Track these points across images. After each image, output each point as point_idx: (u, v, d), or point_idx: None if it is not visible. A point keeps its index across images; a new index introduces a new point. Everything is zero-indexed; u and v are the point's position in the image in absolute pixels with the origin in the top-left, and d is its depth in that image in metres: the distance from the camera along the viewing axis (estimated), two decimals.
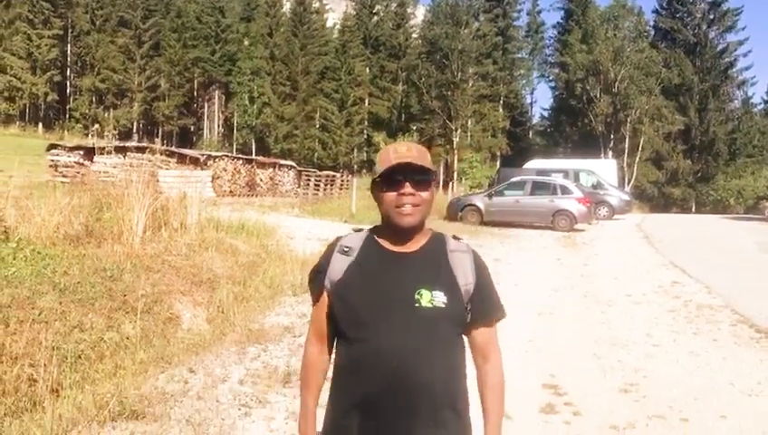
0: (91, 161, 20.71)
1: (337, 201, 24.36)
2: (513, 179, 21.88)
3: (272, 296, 8.17)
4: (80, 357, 5.37)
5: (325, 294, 2.00)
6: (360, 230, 2.09)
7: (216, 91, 65.88)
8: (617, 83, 49.39)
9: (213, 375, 5.21)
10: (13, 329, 5.23)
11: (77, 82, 60.95)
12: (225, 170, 24.72)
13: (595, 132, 51.31)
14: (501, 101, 60.56)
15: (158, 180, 16.40)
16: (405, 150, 1.94)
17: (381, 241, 1.99)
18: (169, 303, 7.19)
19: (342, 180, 31.08)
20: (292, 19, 62.02)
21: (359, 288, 1.92)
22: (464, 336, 2.02)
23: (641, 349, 6.71)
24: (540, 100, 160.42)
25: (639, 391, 5.42)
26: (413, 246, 1.97)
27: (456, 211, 20.99)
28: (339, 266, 1.97)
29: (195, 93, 66.24)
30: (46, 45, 56.69)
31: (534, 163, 29.76)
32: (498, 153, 58.64)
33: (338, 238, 2.08)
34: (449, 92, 55.18)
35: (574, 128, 55.32)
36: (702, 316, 8.26)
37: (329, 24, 67.81)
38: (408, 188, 1.90)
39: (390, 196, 1.92)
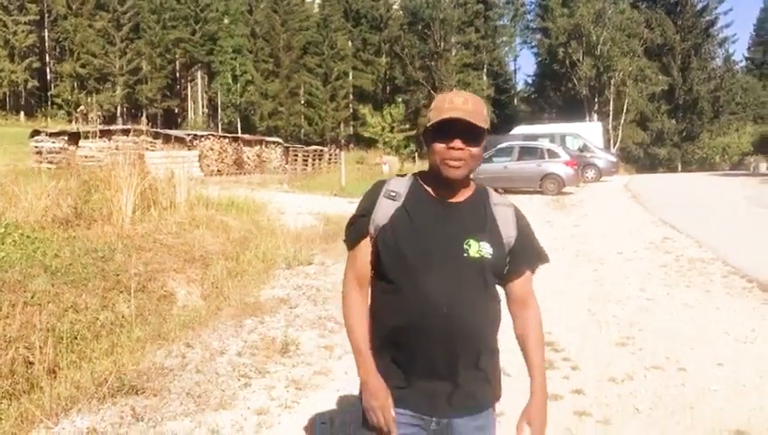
0: (77, 146, 20.50)
1: (326, 176, 24.29)
2: (501, 146, 21.80)
3: (265, 270, 8.15)
4: (75, 338, 5.34)
5: (368, 238, 2.00)
6: (403, 175, 2.08)
7: (199, 72, 65.20)
8: (599, 46, 49.10)
9: (211, 349, 5.20)
10: (5, 312, 5.19)
11: (57, 67, 60.03)
12: (212, 150, 24.55)
13: (579, 96, 51.16)
14: (485, 70, 60.23)
15: (144, 162, 16.27)
16: (461, 102, 1.91)
17: (428, 188, 2.00)
18: (163, 281, 7.16)
19: (330, 155, 30.94)
20: None
21: (408, 235, 1.92)
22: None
23: (635, 303, 6.75)
24: (523, 66, 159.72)
25: (636, 344, 5.46)
26: (459, 196, 1.99)
27: None
28: (385, 211, 1.97)
29: (177, 75, 65.51)
30: (23, 32, 55.67)
31: (521, 129, 29.75)
32: None
33: (381, 182, 2.06)
34: (433, 63, 54.80)
35: (558, 93, 55.10)
36: (694, 270, 8.31)
37: None
38: (457, 143, 1.89)
39: (440, 147, 1.91)
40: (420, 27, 55.68)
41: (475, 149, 1.92)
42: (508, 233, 2.00)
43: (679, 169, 50.47)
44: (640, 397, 4.38)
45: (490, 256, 1.92)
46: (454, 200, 1.98)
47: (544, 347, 2.11)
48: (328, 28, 59.17)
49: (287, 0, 59.28)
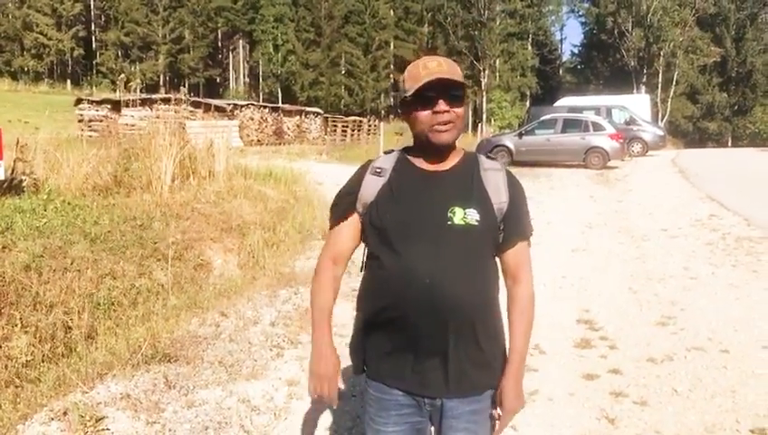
0: (119, 114, 20.77)
1: (365, 146, 24.19)
2: (544, 118, 21.39)
3: (302, 241, 8.16)
4: (113, 304, 5.42)
5: (355, 216, 1.95)
6: (390, 152, 2.02)
7: (241, 41, 65.38)
8: (649, 15, 47.76)
9: (244, 318, 5.22)
10: (46, 278, 5.28)
11: (102, 36, 60.83)
12: (252, 119, 24.64)
13: (627, 67, 49.97)
14: (530, 39, 59.18)
15: (185, 130, 16.40)
16: (435, 66, 1.85)
17: (414, 160, 1.94)
18: (200, 249, 7.22)
19: (370, 125, 30.81)
20: None
21: (392, 208, 1.87)
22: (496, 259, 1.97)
23: (678, 282, 6.56)
24: (570, 36, 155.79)
25: (677, 324, 5.30)
26: (446, 164, 1.92)
27: (486, 152, 20.61)
28: (371, 188, 1.92)
29: (219, 44, 65.80)
30: (70, 1, 56.50)
31: (565, 101, 29.12)
32: (528, 93, 57.55)
33: (369, 161, 2.02)
34: (476, 32, 53.97)
35: (605, 64, 53.93)
36: (741, 248, 8.04)
37: None
38: (442, 105, 1.83)
39: (425, 114, 1.85)
40: None
41: (459, 109, 1.86)
42: (499, 199, 1.90)
43: (729, 144, 49.07)
44: (680, 378, 4.25)
45: (477, 223, 1.83)
46: (440, 169, 1.91)
47: (530, 328, 1.98)
48: None
49: None
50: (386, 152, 2.04)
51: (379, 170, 1.95)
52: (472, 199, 1.87)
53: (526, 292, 1.98)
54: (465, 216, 1.83)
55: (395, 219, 1.85)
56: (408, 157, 1.96)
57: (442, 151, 1.90)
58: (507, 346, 1.96)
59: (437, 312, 1.80)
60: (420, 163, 1.92)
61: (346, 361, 2.00)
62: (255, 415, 3.62)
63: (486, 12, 54.01)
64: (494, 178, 1.94)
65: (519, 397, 1.96)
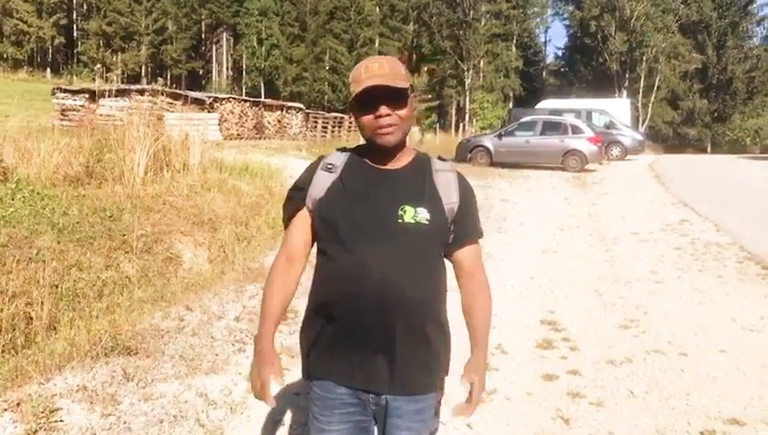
0: (96, 104, 20.57)
1: (344, 143, 24.14)
2: (524, 119, 21.54)
3: (273, 236, 8.13)
4: (77, 296, 5.37)
5: (306, 212, 1.95)
6: (344, 150, 2.04)
7: (224, 34, 64.94)
8: (633, 21, 48.17)
9: (209, 313, 5.21)
10: (9, 268, 5.22)
11: (84, 25, 60.13)
12: (232, 113, 24.50)
13: (610, 72, 50.34)
14: (514, 41, 59.31)
15: (162, 122, 16.28)
16: (376, 68, 1.86)
17: (365, 159, 1.95)
18: (170, 242, 7.18)
19: (350, 122, 30.77)
20: None
21: (342, 205, 1.88)
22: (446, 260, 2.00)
23: (644, 286, 6.65)
24: (554, 39, 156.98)
25: (639, 327, 5.38)
26: (397, 163, 1.94)
27: (465, 153, 20.77)
28: (321, 184, 1.93)
29: (203, 36, 65.33)
30: None
31: (547, 103, 29.33)
32: (511, 94, 57.73)
33: (321, 157, 2.03)
34: (461, 32, 54.07)
35: (588, 67, 54.21)
36: (709, 254, 8.16)
37: None
38: (384, 110, 1.83)
39: (367, 118, 1.86)
40: None
41: (402, 112, 1.87)
42: (450, 199, 1.92)
43: (709, 150, 49.61)
44: (637, 380, 4.32)
45: (427, 222, 1.85)
46: (391, 168, 1.92)
47: (490, 318, 2.04)
48: None
49: None
50: (339, 150, 2.04)
51: (330, 167, 1.95)
52: (423, 199, 1.88)
53: (482, 286, 2.03)
54: (415, 214, 1.85)
55: (345, 215, 1.86)
56: (360, 155, 1.97)
57: (389, 152, 1.91)
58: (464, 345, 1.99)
59: (385, 309, 1.81)
60: (372, 161, 1.94)
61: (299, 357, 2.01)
62: (212, 409, 3.62)
63: (471, 12, 54.13)
64: (444, 179, 1.96)
65: (483, 381, 2.01)
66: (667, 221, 10.48)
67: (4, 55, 54.12)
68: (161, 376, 3.95)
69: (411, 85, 1.91)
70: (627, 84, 50.49)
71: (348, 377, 1.90)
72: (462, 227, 1.95)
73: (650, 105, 48.74)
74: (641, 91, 48.94)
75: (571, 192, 14.50)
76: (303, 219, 1.97)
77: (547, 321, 5.50)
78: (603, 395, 4.08)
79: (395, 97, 1.84)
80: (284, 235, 2.03)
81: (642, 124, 45.79)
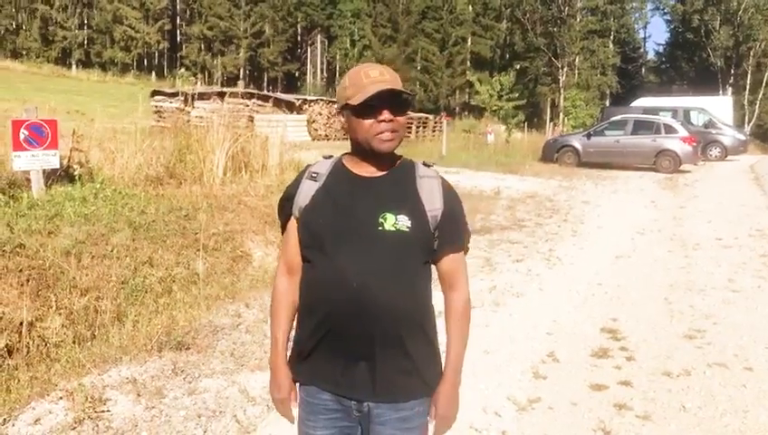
0: (192, 107, 21.47)
1: (429, 143, 24.15)
2: (614, 118, 20.84)
3: None
4: (146, 291, 5.64)
5: (294, 220, 1.98)
6: (329, 157, 2.05)
7: (319, 36, 66.26)
8: (739, 13, 45.58)
9: (266, 310, 5.34)
10: (85, 263, 5.55)
11: (186, 30, 62.97)
12: (321, 114, 24.98)
13: (714, 68, 47.92)
14: (611, 37, 57.47)
15: (253, 124, 16.82)
16: (378, 74, 1.88)
17: (350, 166, 1.96)
18: (240, 241, 7.40)
19: (435, 122, 30.72)
20: None
21: (324, 213, 1.90)
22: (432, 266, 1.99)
23: (719, 294, 6.31)
24: (654, 34, 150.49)
25: (705, 338, 5.12)
26: (381, 170, 1.93)
27: (552, 152, 20.34)
28: (306, 192, 1.95)
29: (298, 38, 66.91)
30: None
31: (642, 101, 28.26)
32: (608, 91, 55.98)
33: (307, 166, 2.06)
34: (555, 28, 52.90)
35: (690, 63, 51.89)
36: None
37: None
38: (387, 115, 1.85)
39: (369, 123, 1.86)
40: None
41: (402, 118, 1.88)
42: (433, 205, 1.90)
43: None
44: (692, 394, 4.11)
45: (408, 229, 1.83)
46: (375, 174, 1.92)
47: (466, 336, 1.99)
48: None
49: None
50: (325, 157, 2.06)
51: (314, 175, 1.98)
52: (404, 206, 1.87)
53: (461, 298, 2.00)
54: (396, 222, 1.84)
55: (326, 223, 1.88)
56: (345, 162, 1.98)
57: (382, 158, 1.92)
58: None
59: (364, 316, 1.82)
60: (355, 168, 1.94)
61: None
62: (251, 406, 3.72)
63: (567, 8, 52.85)
64: (428, 185, 1.94)
65: (452, 404, 1.98)
66: (757, 226, 9.88)
67: (114, 60, 57.35)
68: (208, 371, 4.10)
69: (411, 95, 1.92)
70: (732, 81, 47.91)
71: (331, 383, 1.92)
72: (445, 234, 1.93)
73: (758, 102, 45.94)
74: (748, 87, 46.22)
75: (659, 194, 13.93)
76: (295, 228, 1.99)
77: (608, 329, 5.32)
78: (652, 408, 3.91)
79: (397, 103, 1.86)
80: (282, 245, 2.08)
81: (749, 123, 43.27)
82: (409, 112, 31.84)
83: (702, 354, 4.79)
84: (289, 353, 2.04)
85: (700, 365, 4.58)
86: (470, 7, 60.06)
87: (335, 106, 2.21)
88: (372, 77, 1.86)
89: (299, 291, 2.00)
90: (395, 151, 2.00)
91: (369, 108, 1.84)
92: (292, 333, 2.04)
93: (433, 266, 1.99)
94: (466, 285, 2.02)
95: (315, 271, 1.90)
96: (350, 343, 1.86)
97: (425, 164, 2.02)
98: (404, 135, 1.94)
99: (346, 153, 2.03)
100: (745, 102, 44.87)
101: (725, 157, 23.29)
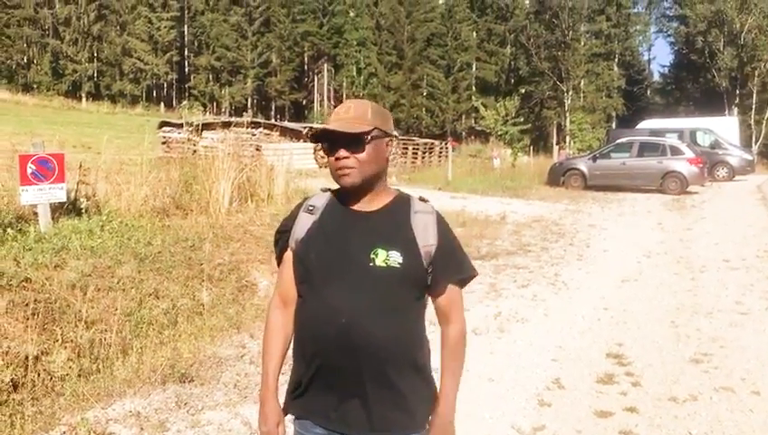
0: (200, 137, 21.63)
1: (435, 169, 24.24)
2: (620, 141, 20.89)
3: None
4: (151, 323, 5.66)
5: (290, 252, 2.00)
6: (327, 190, 2.07)
7: (325, 64, 66.84)
8: (743, 34, 45.74)
9: None
10: (90, 296, 5.58)
11: (194, 61, 63.67)
12: None
13: (719, 88, 47.97)
14: (616, 60, 57.72)
15: (260, 153, 16.91)
16: (343, 112, 1.92)
17: (345, 200, 1.98)
18: (246, 271, 7.43)
19: (441, 148, 30.83)
20: None
21: (317, 247, 1.91)
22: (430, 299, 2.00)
23: (726, 317, 6.28)
24: (658, 56, 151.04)
25: (712, 362, 5.08)
26: (375, 205, 1.95)
27: (558, 176, 20.35)
28: (302, 225, 1.98)
29: (305, 67, 67.51)
30: (165, 27, 59.56)
31: (648, 123, 28.30)
32: (614, 114, 56.09)
33: (305, 198, 2.08)
34: (560, 52, 53.24)
35: (695, 85, 51.98)
36: None
37: None
38: (341, 153, 1.87)
39: (330, 159, 1.91)
40: (548, 16, 54.37)
41: (361, 155, 1.87)
42: (427, 241, 1.91)
43: None
44: (698, 420, 4.08)
45: (399, 266, 1.84)
46: (368, 210, 1.94)
47: (460, 369, 1.99)
48: (453, 19, 58.95)
49: None
50: (322, 190, 2.09)
51: (311, 208, 2.00)
52: (397, 242, 1.89)
53: (457, 331, 2.01)
54: (387, 258, 1.86)
55: (319, 258, 1.90)
56: (340, 197, 2.00)
57: (354, 192, 1.93)
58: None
59: (354, 352, 1.83)
60: (350, 203, 1.95)
61: None
62: None
63: (570, 32, 53.23)
64: (422, 220, 1.95)
65: None
66: (765, 248, 9.83)
67: (123, 92, 57.99)
68: (212, 403, 4.11)
69: (378, 128, 1.91)
70: (738, 101, 47.88)
71: (324, 418, 1.92)
72: (439, 269, 1.94)
73: (764, 122, 45.90)
74: (754, 107, 46.21)
75: (666, 216, 13.90)
76: (290, 260, 2.00)
77: (613, 354, 5.29)
78: None
79: (352, 141, 1.87)
80: (277, 277, 2.09)
81: (756, 143, 43.21)
82: (415, 138, 32.10)
83: (709, 379, 4.76)
84: (286, 387, 2.04)
85: (707, 390, 4.55)
86: (474, 33, 60.60)
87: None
88: (338, 114, 1.91)
89: (294, 325, 2.00)
90: (392, 187, 2.04)
91: (330, 145, 1.89)
92: (286, 365, 2.06)
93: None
94: (462, 317, 2.03)
95: (306, 306, 1.92)
96: (342, 379, 1.87)
97: (421, 199, 2.04)
98: (371, 171, 1.90)
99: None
100: (752, 122, 44.86)
101: (733, 177, 23.25)
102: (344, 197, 1.98)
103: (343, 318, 1.81)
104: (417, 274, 1.90)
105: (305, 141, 24.05)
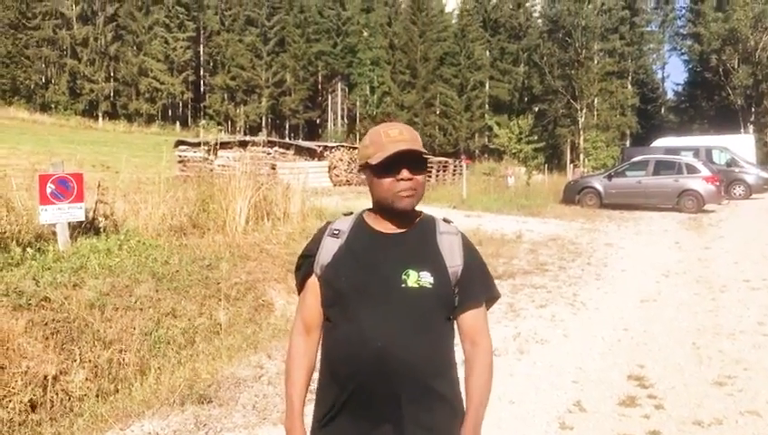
0: (216, 156, 21.80)
1: (449, 187, 24.20)
2: (635, 159, 20.79)
3: None
4: (169, 343, 5.66)
5: (315, 279, 1.98)
6: (350, 214, 2.07)
7: (339, 84, 67.25)
8: (758, 52, 45.59)
9: None
10: (108, 316, 5.58)
11: (210, 80, 64.34)
12: (342, 160, 25.24)
13: (734, 106, 47.76)
14: (629, 78, 57.66)
15: (276, 172, 17.01)
16: (397, 134, 1.92)
17: (371, 223, 1.98)
18: (263, 290, 7.42)
19: (455, 166, 30.83)
20: (410, 7, 62.07)
21: (346, 270, 1.90)
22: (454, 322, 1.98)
23: (749, 338, 6.17)
24: (672, 74, 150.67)
25: (736, 384, 4.99)
26: (402, 227, 1.95)
27: (574, 194, 20.25)
28: (328, 250, 1.96)
29: (319, 87, 67.97)
30: (181, 47, 60.33)
31: (663, 141, 28.16)
32: (628, 132, 55.93)
33: (328, 223, 2.07)
34: (573, 71, 53.30)
35: (710, 103, 51.79)
36: None
37: (447, 8, 67.14)
38: (405, 174, 1.88)
39: (388, 181, 1.89)
40: (561, 35, 54.48)
41: (421, 177, 1.91)
42: (453, 262, 1.92)
43: None
44: None
45: (430, 286, 1.85)
46: (396, 232, 1.94)
47: (488, 391, 1.96)
48: (465, 38, 59.21)
49: (426, 11, 59.82)
50: (345, 214, 2.08)
51: (336, 232, 1.99)
52: (427, 262, 1.89)
53: (483, 355, 1.98)
54: (419, 278, 1.86)
55: (349, 281, 1.88)
56: (366, 219, 2.00)
57: (402, 216, 1.94)
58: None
59: (388, 377, 1.81)
60: (377, 225, 1.96)
61: None
62: None
63: (584, 51, 53.32)
64: (448, 241, 1.96)
65: None
66: None
67: (140, 111, 58.62)
68: (230, 425, 4.08)
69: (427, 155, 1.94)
70: (753, 119, 47.65)
71: None
72: (465, 290, 1.93)
73: None
74: None
75: (683, 235, 13.77)
76: (315, 286, 1.99)
77: (635, 376, 5.21)
78: None
79: (416, 162, 1.89)
80: (299, 302, 2.07)
81: None
82: (429, 156, 32.02)
83: (733, 402, 4.67)
84: (318, 412, 1.99)
85: (732, 413, 4.46)
86: (487, 52, 60.83)
87: (356, 163, 2.25)
88: (392, 136, 1.90)
89: (322, 352, 2.00)
90: (415, 208, 2.03)
91: (389, 167, 1.87)
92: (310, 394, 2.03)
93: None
94: (489, 341, 2.01)
95: (337, 331, 1.90)
96: (376, 405, 1.84)
97: (445, 220, 2.04)
98: (423, 193, 1.95)
99: (367, 210, 2.05)
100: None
101: (750, 195, 23.05)
102: (373, 219, 1.97)
103: (379, 342, 1.80)
104: (447, 294, 1.91)
105: (320, 160, 24.16)
